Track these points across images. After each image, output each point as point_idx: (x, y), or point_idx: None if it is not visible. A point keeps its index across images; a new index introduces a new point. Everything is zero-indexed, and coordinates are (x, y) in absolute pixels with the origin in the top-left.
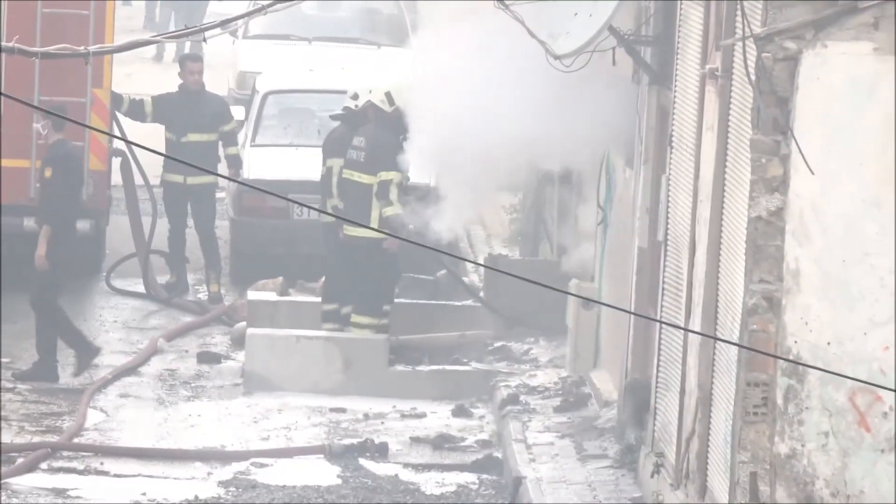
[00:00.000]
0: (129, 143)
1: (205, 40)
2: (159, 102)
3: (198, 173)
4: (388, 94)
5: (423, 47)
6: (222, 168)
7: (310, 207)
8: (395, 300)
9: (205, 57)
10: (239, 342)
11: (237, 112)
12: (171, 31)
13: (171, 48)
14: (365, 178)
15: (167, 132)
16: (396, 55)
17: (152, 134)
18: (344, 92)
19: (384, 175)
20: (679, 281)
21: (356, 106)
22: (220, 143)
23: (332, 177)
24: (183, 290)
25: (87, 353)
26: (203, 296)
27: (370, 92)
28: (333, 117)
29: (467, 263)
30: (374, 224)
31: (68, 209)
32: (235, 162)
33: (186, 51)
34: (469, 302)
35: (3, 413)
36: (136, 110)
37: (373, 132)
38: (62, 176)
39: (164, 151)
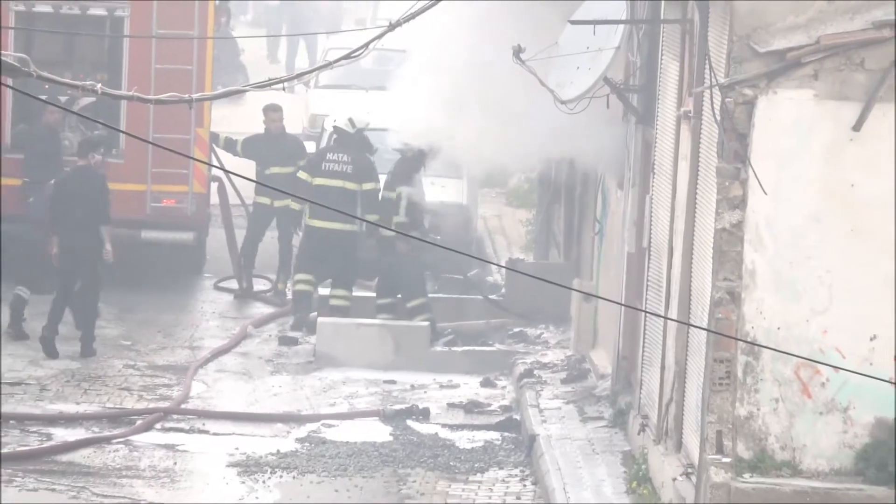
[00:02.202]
0: (225, 171)
1: (284, 89)
2: (248, 142)
3: (282, 197)
4: (350, 119)
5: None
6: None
7: (364, 220)
8: (436, 295)
9: (283, 103)
10: (311, 328)
11: (310, 147)
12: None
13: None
14: (350, 185)
15: (257, 165)
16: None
17: (242, 165)
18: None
19: (367, 186)
20: (660, 279)
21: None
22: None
23: (400, 199)
24: (250, 290)
25: (48, 341)
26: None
27: (335, 119)
28: (396, 149)
29: (492, 265)
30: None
31: (80, 220)
32: (307, 185)
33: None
34: (493, 297)
35: (126, 384)
36: (230, 146)
37: (345, 150)
38: (75, 194)
39: (253, 179)
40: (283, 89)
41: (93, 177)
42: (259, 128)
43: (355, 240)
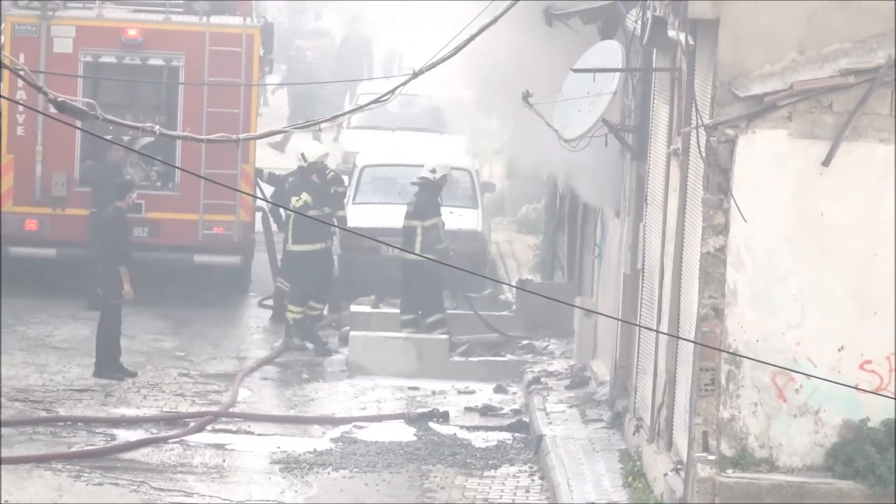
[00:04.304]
0: (268, 202)
1: (320, 130)
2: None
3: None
4: (302, 154)
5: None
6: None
7: (388, 244)
8: (455, 311)
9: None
10: (344, 341)
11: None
12: (295, 123)
13: (292, 141)
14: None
15: None
16: (453, 139)
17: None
18: (418, 165)
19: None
20: (652, 297)
21: (433, 177)
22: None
23: (438, 228)
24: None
25: (110, 365)
26: None
27: (302, 155)
28: (414, 183)
29: (504, 285)
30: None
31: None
32: (342, 221)
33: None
34: (506, 313)
35: (181, 391)
36: (273, 181)
37: (305, 184)
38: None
39: (295, 210)
40: (320, 130)
41: (120, 219)
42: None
43: (327, 256)
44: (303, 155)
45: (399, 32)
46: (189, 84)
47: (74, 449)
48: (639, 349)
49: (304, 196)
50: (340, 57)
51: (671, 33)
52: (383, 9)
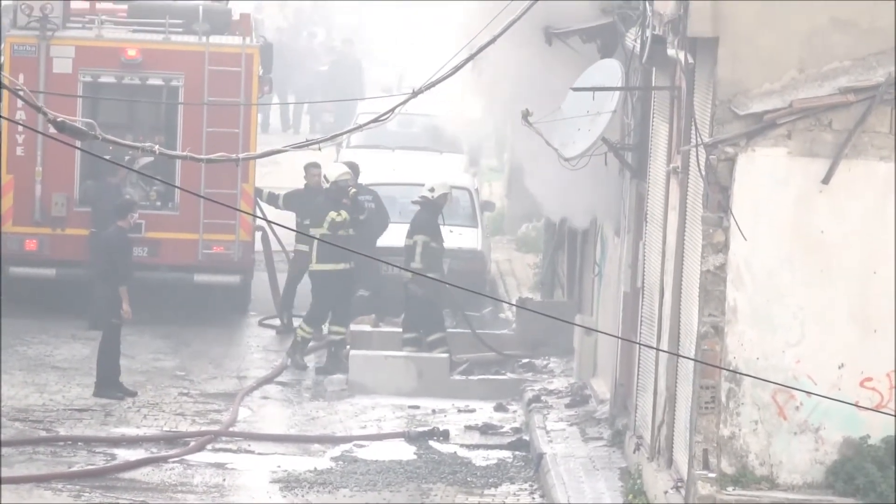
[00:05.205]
0: (268, 221)
1: (320, 149)
2: (289, 197)
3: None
4: (324, 176)
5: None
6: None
7: (390, 264)
8: (455, 330)
9: (320, 162)
10: (345, 360)
11: None
12: (297, 142)
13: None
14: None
15: (297, 217)
16: (453, 158)
17: (284, 216)
18: (418, 185)
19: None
20: (652, 315)
21: (432, 196)
22: None
23: (416, 246)
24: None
25: (111, 385)
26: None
27: (324, 176)
28: (414, 202)
29: (504, 303)
30: None
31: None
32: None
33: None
34: (506, 331)
35: (181, 410)
36: (272, 200)
37: (336, 205)
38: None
39: (293, 229)
40: (319, 149)
41: (122, 238)
42: (298, 183)
43: (349, 277)
44: (325, 177)
45: (396, 52)
46: (188, 104)
47: (75, 469)
48: (639, 367)
49: (344, 213)
50: (332, 80)
51: (671, 52)
52: (382, 25)
